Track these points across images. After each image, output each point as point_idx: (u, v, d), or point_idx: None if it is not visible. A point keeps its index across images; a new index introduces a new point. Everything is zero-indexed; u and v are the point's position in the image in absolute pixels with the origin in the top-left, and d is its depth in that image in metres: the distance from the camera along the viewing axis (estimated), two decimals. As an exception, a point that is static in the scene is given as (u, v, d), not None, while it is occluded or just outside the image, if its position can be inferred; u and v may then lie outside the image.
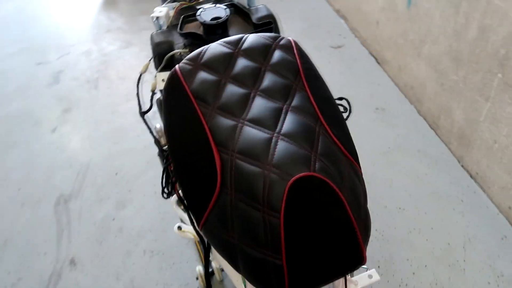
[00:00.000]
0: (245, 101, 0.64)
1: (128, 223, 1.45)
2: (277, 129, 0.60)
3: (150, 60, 0.87)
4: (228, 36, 0.82)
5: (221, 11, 0.81)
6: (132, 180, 1.60)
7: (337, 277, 0.59)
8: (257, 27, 0.83)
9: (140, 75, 0.87)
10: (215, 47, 0.70)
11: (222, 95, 0.65)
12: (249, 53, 0.70)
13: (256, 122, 0.61)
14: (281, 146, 0.58)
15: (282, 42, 0.73)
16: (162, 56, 0.81)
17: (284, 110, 0.63)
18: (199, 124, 0.63)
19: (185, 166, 0.66)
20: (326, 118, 0.65)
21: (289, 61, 0.70)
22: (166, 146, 0.82)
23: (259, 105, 0.63)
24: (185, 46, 0.80)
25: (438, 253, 1.31)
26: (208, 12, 0.80)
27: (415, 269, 1.27)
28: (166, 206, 1.49)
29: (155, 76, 0.82)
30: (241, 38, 0.72)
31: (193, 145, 0.64)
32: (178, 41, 0.82)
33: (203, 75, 0.67)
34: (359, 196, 0.63)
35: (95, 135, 1.82)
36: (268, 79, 0.67)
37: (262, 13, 0.86)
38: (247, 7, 0.89)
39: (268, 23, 0.84)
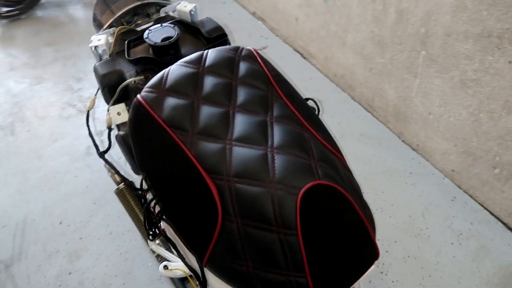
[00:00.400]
0: (225, 121, 0.61)
1: (88, 274, 1.31)
2: (269, 143, 0.58)
3: (95, 94, 0.79)
4: (181, 55, 0.78)
5: (169, 30, 0.75)
6: (80, 226, 1.45)
7: (359, 278, 0.58)
8: (211, 41, 0.79)
9: (88, 113, 0.78)
10: (177, 69, 0.65)
11: (199, 119, 0.61)
12: (215, 69, 0.66)
13: (245, 140, 0.58)
14: (279, 160, 0.55)
15: (244, 53, 0.70)
16: (113, 87, 0.73)
17: (269, 122, 0.61)
18: (181, 155, 0.58)
19: (176, 202, 0.60)
20: (308, 122, 0.64)
21: (257, 71, 0.68)
22: (142, 183, 0.75)
23: (242, 122, 0.60)
24: (138, 73, 0.73)
25: (403, 226, 1.38)
26: (157, 33, 0.75)
27: (386, 247, 1.32)
28: (127, 245, 1.38)
29: (108, 111, 0.74)
30: (202, 55, 0.68)
31: (181, 178, 0.59)
32: (128, 68, 0.75)
33: (172, 101, 0.62)
34: (359, 192, 0.63)
35: (25, 186, 1.62)
36: (242, 93, 0.64)
37: (210, 26, 0.82)
38: (191, 21, 0.85)
39: (222, 36, 0.80)
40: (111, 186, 1.22)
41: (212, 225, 0.56)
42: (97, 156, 0.89)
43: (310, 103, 0.75)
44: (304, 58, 2.10)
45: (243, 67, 0.67)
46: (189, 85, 0.64)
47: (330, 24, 1.79)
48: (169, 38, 0.73)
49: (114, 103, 0.73)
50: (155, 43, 0.73)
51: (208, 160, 0.57)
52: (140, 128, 0.63)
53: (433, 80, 1.38)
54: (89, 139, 0.89)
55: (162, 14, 0.87)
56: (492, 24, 1.12)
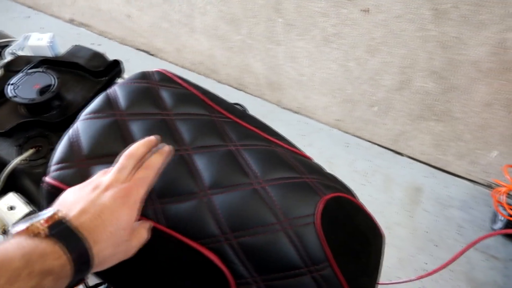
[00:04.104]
0: (184, 169, 0.48)
1: None
2: (251, 177, 0.48)
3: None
4: (70, 104, 0.58)
5: (41, 76, 0.55)
6: None
7: (379, 267, 0.55)
8: (100, 75, 0.61)
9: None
10: (88, 125, 0.48)
11: None
12: (137, 110, 0.51)
13: (221, 184, 0.47)
14: (274, 191, 0.46)
15: (157, 77, 0.56)
16: None
17: (235, 151, 0.50)
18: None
19: None
20: (266, 132, 0.57)
21: (185, 95, 0.55)
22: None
23: (206, 163, 0.48)
24: (20, 147, 0.52)
25: (317, 187, 1.43)
26: (25, 85, 0.53)
27: (312, 211, 1.36)
28: None
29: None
30: (108, 97, 0.52)
31: (158, 258, 0.45)
32: (1, 145, 0.53)
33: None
34: (345, 185, 0.59)
35: None
36: (185, 128, 0.51)
37: (87, 55, 0.63)
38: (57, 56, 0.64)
39: (114, 64, 0.63)
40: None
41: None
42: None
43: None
44: (152, 55, 1.93)
45: (167, 95, 0.54)
46: (113, 141, 0.48)
47: (171, 13, 1.66)
48: (47, 87, 0.53)
49: (-2, 197, 0.51)
50: (33, 99, 0.52)
51: (187, 225, 0.44)
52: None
53: (297, 44, 1.41)
54: None
55: (8, 57, 0.63)
56: (338, -21, 1.18)
